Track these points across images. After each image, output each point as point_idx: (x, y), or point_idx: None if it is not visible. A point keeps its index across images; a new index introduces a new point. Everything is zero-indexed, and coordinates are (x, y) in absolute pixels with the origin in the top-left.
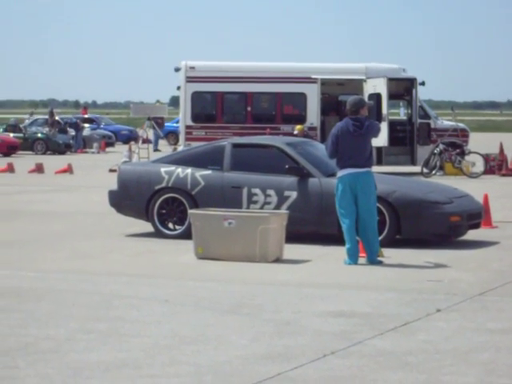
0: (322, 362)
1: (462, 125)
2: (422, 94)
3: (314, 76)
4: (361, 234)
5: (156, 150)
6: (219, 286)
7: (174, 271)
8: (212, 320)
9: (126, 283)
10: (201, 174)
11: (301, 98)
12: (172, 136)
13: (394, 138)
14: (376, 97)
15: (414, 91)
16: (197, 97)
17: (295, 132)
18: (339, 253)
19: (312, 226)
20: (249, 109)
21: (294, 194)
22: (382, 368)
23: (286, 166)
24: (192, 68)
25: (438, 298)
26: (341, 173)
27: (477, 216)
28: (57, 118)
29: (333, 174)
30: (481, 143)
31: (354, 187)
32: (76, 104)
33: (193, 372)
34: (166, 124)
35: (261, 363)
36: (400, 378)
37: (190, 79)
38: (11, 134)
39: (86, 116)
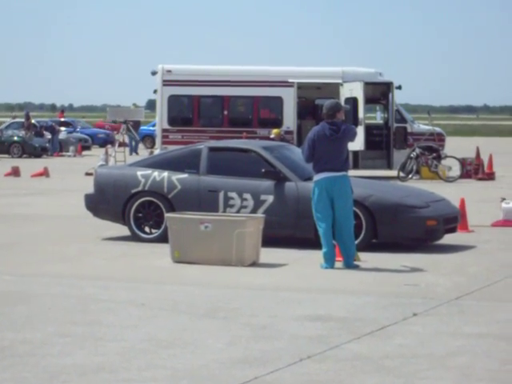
0: (298, 366)
1: (438, 129)
2: (399, 98)
3: (290, 80)
4: (337, 238)
5: (135, 153)
6: (196, 289)
7: (150, 275)
8: (189, 324)
9: (103, 287)
10: (177, 177)
11: (277, 101)
12: (148, 139)
13: (370, 142)
14: (352, 101)
15: (390, 95)
16: (173, 100)
17: (272, 136)
18: (316, 257)
19: (289, 229)
20: (225, 112)
21: (270, 198)
22: (359, 372)
23: (263, 170)
24: (169, 71)
25: (415, 302)
26: (317, 177)
27: (453, 220)
28: (32, 121)
29: (309, 178)
30: (457, 147)
31: (331, 191)
32: (52, 107)
33: (169, 376)
34: (142, 128)
35: (237, 367)
36: (377, 382)
37: (167, 83)
38: None
39: (62, 119)
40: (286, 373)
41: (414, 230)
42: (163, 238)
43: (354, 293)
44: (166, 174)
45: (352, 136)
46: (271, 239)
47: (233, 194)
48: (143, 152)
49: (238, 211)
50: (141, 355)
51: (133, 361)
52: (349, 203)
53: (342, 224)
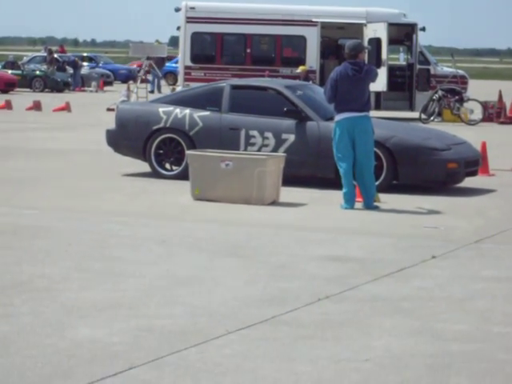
0: (316, 305)
1: (461, 71)
2: (423, 39)
3: (314, 19)
4: (358, 179)
5: (158, 91)
6: (215, 227)
7: (170, 212)
8: (208, 262)
9: (123, 223)
10: (199, 114)
11: (300, 40)
12: (171, 76)
13: (393, 83)
14: (376, 41)
15: (414, 37)
16: (196, 37)
17: (298, 71)
18: (336, 197)
19: (309, 169)
20: (248, 51)
21: (291, 137)
22: (377, 313)
23: (285, 109)
24: (192, 8)
25: (434, 244)
26: (339, 117)
27: (474, 163)
28: (55, 55)
29: (331, 118)
30: (480, 91)
31: (352, 131)
32: (75, 42)
33: (188, 313)
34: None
35: (255, 306)
36: (394, 324)
37: (190, 19)
38: (9, 71)
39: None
40: (303, 312)
41: (435, 173)
42: (183, 175)
43: (374, 234)
44: (187, 111)
45: (374, 77)
46: (292, 178)
47: (254, 133)
48: (162, 90)
49: (259, 150)
50: (159, 292)
51: (151, 297)
52: (370, 144)
53: (362, 165)
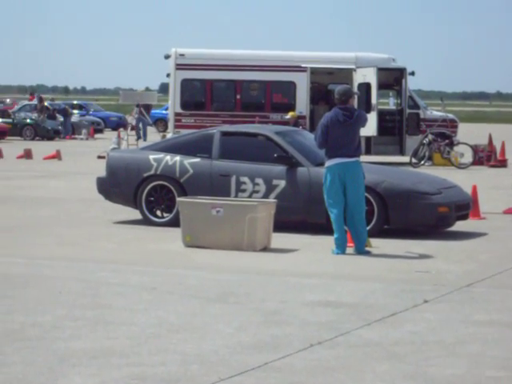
0: (308, 352)
1: (451, 115)
2: (412, 84)
3: (303, 65)
4: (349, 224)
5: (139, 138)
6: (207, 274)
7: (161, 259)
8: (199, 308)
9: (114, 271)
10: (189, 161)
11: (290, 86)
12: (161, 123)
13: (383, 128)
14: (365, 86)
15: (403, 81)
16: (186, 84)
17: (288, 117)
18: (327, 242)
19: (300, 215)
20: (238, 97)
21: (282, 183)
22: (369, 359)
23: (275, 155)
24: (182, 55)
25: (426, 288)
26: (330, 162)
27: (465, 207)
28: (45, 103)
29: (321, 164)
30: (470, 134)
31: (343, 177)
32: (65, 90)
33: (179, 361)
34: (154, 111)
35: (247, 353)
36: (387, 369)
37: (180, 66)
38: (0, 120)
39: (33, 102)
40: (295, 358)
41: (426, 217)
42: (175, 222)
43: (365, 279)
44: (178, 158)
45: (364, 121)
46: (283, 224)
47: (245, 179)
48: (153, 137)
49: (249, 196)
50: (151, 339)
51: (143, 345)
52: (361, 189)
53: (353, 210)
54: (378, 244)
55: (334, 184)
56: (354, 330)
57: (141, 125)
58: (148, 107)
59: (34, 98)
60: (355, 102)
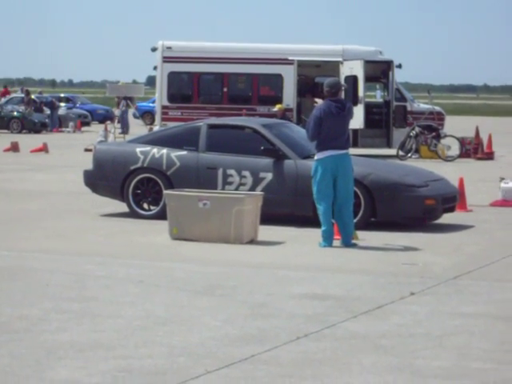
0: (295, 344)
1: (438, 108)
2: (399, 76)
3: (290, 57)
4: (336, 217)
5: (123, 132)
6: (194, 267)
7: (148, 252)
8: (186, 301)
9: (101, 263)
10: (176, 154)
11: (277, 79)
12: (148, 116)
13: (370, 121)
14: (352, 79)
15: (390, 74)
16: (173, 77)
17: (275, 109)
18: (314, 235)
19: (287, 207)
20: (225, 89)
21: (269, 176)
22: (356, 351)
23: (262, 148)
24: (169, 48)
25: (412, 281)
26: (321, 155)
27: (452, 199)
28: (32, 96)
29: (308, 156)
30: (457, 127)
31: (335, 169)
32: (52, 83)
33: (166, 353)
34: (141, 104)
35: (234, 345)
36: (373, 362)
37: (167, 59)
38: None
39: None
40: (282, 351)
41: (413, 209)
42: (161, 215)
43: (352, 271)
44: (165, 150)
45: (352, 114)
46: (270, 217)
47: (231, 172)
48: (139, 130)
49: (236, 188)
50: (138, 332)
51: (130, 338)
52: (350, 182)
53: (342, 202)
54: (364, 237)
55: (326, 177)
56: (341, 322)
57: (121, 116)
58: (131, 100)
59: (6, 91)
60: (342, 95)
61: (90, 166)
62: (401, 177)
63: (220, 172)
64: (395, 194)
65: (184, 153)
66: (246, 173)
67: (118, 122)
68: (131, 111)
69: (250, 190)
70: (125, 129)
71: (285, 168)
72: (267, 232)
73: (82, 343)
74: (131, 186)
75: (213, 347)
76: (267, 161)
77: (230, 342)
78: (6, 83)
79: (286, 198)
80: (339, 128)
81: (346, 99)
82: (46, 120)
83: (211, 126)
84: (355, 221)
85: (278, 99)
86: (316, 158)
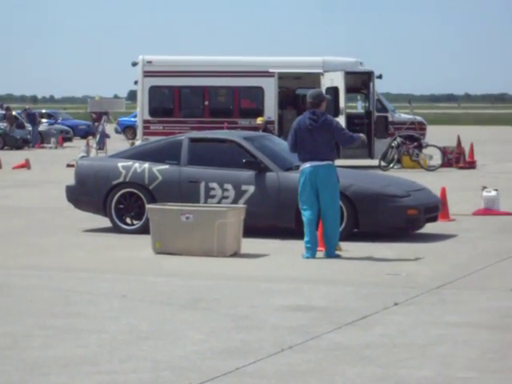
0: (279, 356)
1: (419, 118)
2: (380, 87)
3: (271, 70)
4: (322, 228)
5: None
6: (177, 280)
7: (131, 266)
8: (170, 315)
9: (84, 279)
10: (158, 168)
11: (258, 91)
12: (130, 130)
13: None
14: (333, 90)
15: (371, 84)
16: (154, 91)
17: (258, 122)
18: (297, 247)
19: (270, 220)
20: (206, 103)
21: (251, 189)
22: (340, 362)
23: (244, 161)
24: (149, 62)
25: (396, 291)
26: (302, 166)
27: (434, 209)
28: (14, 113)
29: (290, 168)
30: (438, 136)
31: (314, 180)
32: (33, 99)
33: (150, 367)
34: (124, 118)
35: (218, 358)
36: (358, 372)
37: (148, 73)
38: None
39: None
40: (267, 363)
41: (395, 220)
42: (144, 230)
43: (335, 283)
44: (146, 165)
45: (333, 128)
46: (253, 229)
47: (214, 185)
48: (121, 144)
49: (219, 202)
50: (122, 347)
51: (114, 352)
52: (334, 193)
53: (326, 214)
54: (347, 248)
55: (306, 187)
56: (325, 333)
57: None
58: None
59: None
60: (324, 107)
61: (72, 181)
62: (383, 187)
63: (202, 185)
64: (377, 205)
65: (166, 167)
66: (229, 186)
67: (101, 136)
68: (112, 126)
69: (232, 202)
70: (101, 144)
71: (267, 180)
72: (250, 245)
73: (66, 359)
74: (114, 201)
75: (197, 361)
76: (249, 173)
77: (214, 355)
78: None
79: (269, 210)
80: (314, 140)
81: (324, 112)
82: (28, 136)
83: (193, 140)
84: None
85: (260, 112)
86: (300, 168)
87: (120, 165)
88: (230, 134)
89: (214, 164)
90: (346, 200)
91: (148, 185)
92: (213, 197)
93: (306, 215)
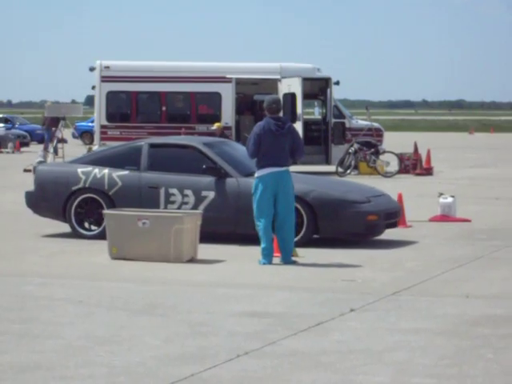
0: (235, 362)
1: (376, 124)
2: (337, 93)
3: (228, 75)
4: (277, 234)
5: (51, 150)
6: (133, 286)
7: (88, 272)
8: (126, 321)
9: (40, 284)
10: (118, 174)
11: (215, 97)
12: (87, 135)
13: (308, 138)
14: (291, 96)
15: (328, 91)
16: (111, 96)
17: (214, 128)
18: (254, 252)
19: (229, 225)
20: (163, 108)
21: (211, 194)
22: (296, 368)
23: (204, 166)
24: (107, 67)
25: (352, 297)
26: (261, 172)
27: (394, 215)
28: None
29: (250, 174)
30: (396, 142)
31: (275, 186)
32: None
33: (106, 373)
34: (81, 123)
35: (174, 364)
36: (314, 379)
37: (105, 79)
38: None
39: None
40: (222, 369)
41: (355, 225)
42: (104, 235)
43: (292, 289)
44: (106, 170)
45: (297, 135)
46: (212, 235)
47: (174, 191)
48: (79, 149)
49: (179, 207)
50: (78, 352)
51: (70, 358)
52: (291, 199)
53: (283, 220)
54: (305, 254)
55: (266, 194)
56: (281, 339)
57: (46, 137)
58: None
59: None
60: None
61: (30, 186)
62: (343, 193)
63: (162, 191)
64: (337, 211)
65: (126, 172)
66: (189, 191)
67: (58, 141)
68: (70, 131)
69: (192, 208)
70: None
71: (227, 186)
72: (208, 250)
73: (21, 364)
74: (73, 207)
75: (153, 367)
76: (209, 179)
77: (171, 361)
78: None
79: (229, 216)
80: (278, 146)
81: (286, 117)
82: None
83: (153, 146)
84: (298, 238)
85: (217, 117)
86: (256, 175)
87: (80, 170)
88: (190, 139)
89: (173, 170)
90: (306, 206)
91: (108, 190)
92: (173, 202)
93: (262, 222)
